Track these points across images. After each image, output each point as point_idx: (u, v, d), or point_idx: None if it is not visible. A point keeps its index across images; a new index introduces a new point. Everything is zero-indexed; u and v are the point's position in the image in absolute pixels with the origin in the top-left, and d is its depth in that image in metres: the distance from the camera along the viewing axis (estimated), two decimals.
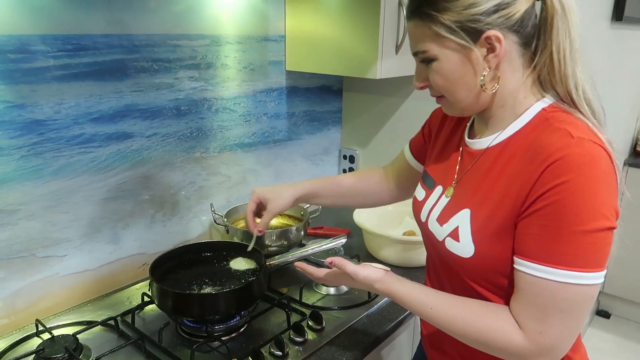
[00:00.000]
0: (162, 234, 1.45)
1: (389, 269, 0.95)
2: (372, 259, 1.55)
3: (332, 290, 1.35)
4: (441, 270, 0.93)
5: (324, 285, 1.15)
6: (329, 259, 0.97)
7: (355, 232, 1.71)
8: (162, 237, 1.45)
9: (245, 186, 1.67)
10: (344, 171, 2.04)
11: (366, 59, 1.47)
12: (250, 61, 1.58)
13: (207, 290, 1.16)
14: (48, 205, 1.18)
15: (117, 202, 1.32)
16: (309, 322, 1.18)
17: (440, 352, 0.99)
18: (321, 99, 1.88)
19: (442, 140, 1.01)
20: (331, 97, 1.92)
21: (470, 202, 0.84)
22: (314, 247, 1.22)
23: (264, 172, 1.73)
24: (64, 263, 1.24)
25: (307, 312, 1.21)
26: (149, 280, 1.15)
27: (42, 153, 1.14)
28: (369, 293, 1.31)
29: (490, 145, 0.84)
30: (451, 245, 0.85)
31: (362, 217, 1.57)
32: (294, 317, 1.20)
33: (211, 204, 1.50)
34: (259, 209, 1.19)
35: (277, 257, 1.23)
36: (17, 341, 1.11)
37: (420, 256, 1.46)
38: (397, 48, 1.48)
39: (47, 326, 1.14)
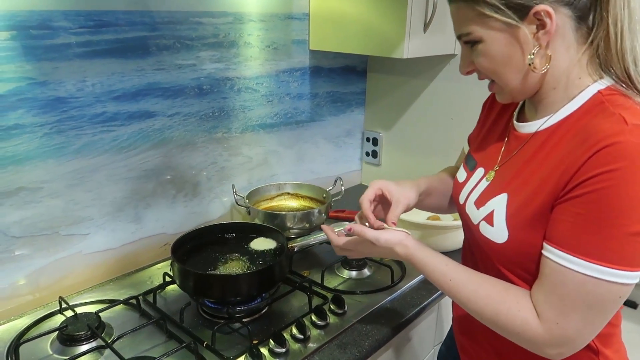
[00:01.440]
0: (184, 214, 1.44)
1: (409, 232, 0.91)
2: None
3: (354, 274, 1.33)
4: (476, 254, 0.90)
5: (346, 256, 1.07)
6: (347, 226, 0.95)
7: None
8: (184, 217, 1.44)
9: (266, 168, 1.65)
10: (367, 154, 2.00)
11: (392, 37, 1.42)
12: (273, 40, 1.54)
13: (229, 271, 1.14)
14: (71, 184, 1.18)
15: (139, 182, 1.31)
16: (331, 306, 1.16)
17: (470, 339, 0.96)
18: (345, 79, 1.84)
19: (489, 123, 0.96)
20: (355, 77, 1.88)
21: (509, 186, 0.80)
22: (336, 231, 1.19)
23: (285, 154, 1.70)
24: (87, 241, 1.24)
25: (329, 295, 1.19)
26: (170, 261, 1.15)
27: (64, 131, 1.14)
28: (392, 277, 1.29)
29: (539, 130, 0.79)
30: (485, 229, 0.82)
31: None
32: (316, 301, 1.18)
33: (233, 185, 1.48)
34: (378, 202, 1.05)
35: (299, 239, 1.22)
36: (40, 318, 1.12)
37: (444, 241, 1.43)
38: (426, 26, 1.43)
39: (70, 304, 1.15)
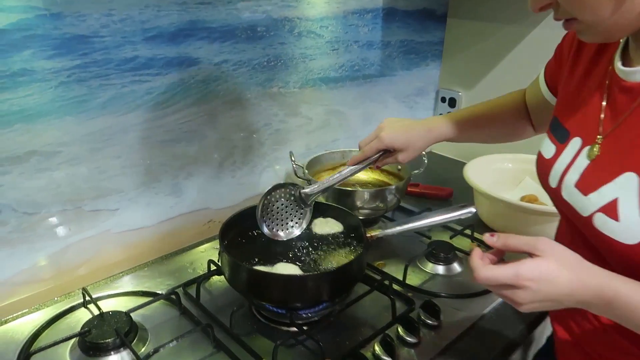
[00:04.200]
0: (231, 185, 1.19)
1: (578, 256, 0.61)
2: (486, 228, 1.24)
3: (440, 269, 1.06)
4: (585, 256, 0.60)
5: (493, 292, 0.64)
6: (494, 240, 0.64)
7: (460, 192, 1.40)
8: (231, 189, 1.20)
9: (327, 131, 1.38)
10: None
11: None
12: None
13: (290, 266, 0.89)
14: (95, 147, 0.93)
15: (179, 146, 1.06)
16: (421, 315, 0.90)
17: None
18: (422, 25, 1.52)
19: (579, 72, 0.71)
20: (433, 24, 1.56)
21: (634, 163, 0.58)
22: (432, 219, 0.92)
23: (350, 115, 1.42)
24: (116, 218, 1.01)
25: (416, 298, 0.94)
26: (215, 242, 0.92)
27: (86, 80, 0.88)
28: None
29: None
30: (604, 224, 0.60)
31: (475, 173, 1.25)
32: (399, 306, 0.92)
33: (291, 152, 1.22)
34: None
35: (377, 226, 0.95)
36: (59, 313, 0.90)
37: (542, 233, 1.14)
38: None
39: (97, 295, 0.94)
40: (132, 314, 0.87)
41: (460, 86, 1.63)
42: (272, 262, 0.91)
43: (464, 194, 1.39)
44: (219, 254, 0.93)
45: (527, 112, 0.94)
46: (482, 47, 1.53)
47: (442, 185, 1.42)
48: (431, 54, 1.59)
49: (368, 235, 0.93)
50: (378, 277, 1.00)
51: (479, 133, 0.98)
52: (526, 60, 1.44)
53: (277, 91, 1.20)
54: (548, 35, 1.38)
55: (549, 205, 1.26)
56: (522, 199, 1.29)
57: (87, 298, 0.92)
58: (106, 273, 1.03)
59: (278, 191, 0.94)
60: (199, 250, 1.13)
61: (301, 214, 0.97)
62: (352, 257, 0.92)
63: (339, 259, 0.94)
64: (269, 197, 0.93)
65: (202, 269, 1.05)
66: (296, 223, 0.96)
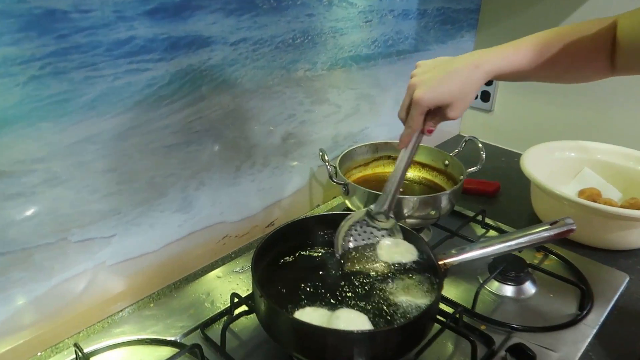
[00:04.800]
0: (250, 192, 0.98)
1: None
2: None
3: (509, 291, 0.88)
4: None
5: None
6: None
7: (509, 186, 1.22)
8: (250, 197, 0.98)
9: (357, 119, 1.16)
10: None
11: None
12: None
13: (355, 313, 0.69)
14: (82, 161, 0.70)
15: (188, 150, 0.83)
16: None
17: None
18: None
19: None
20: None
21: None
22: (522, 240, 0.73)
23: (380, 99, 1.20)
24: (112, 247, 0.79)
25: (491, 332, 0.76)
26: (233, 263, 0.78)
27: (65, 72, 0.64)
28: (582, 300, 0.84)
29: None
30: None
31: (532, 162, 1.06)
32: (480, 349, 0.74)
33: (322, 151, 1.00)
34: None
35: (453, 252, 0.75)
36: None
37: (626, 237, 0.97)
38: None
39: (92, 348, 0.73)
40: None
41: None
42: (323, 303, 0.71)
43: (513, 189, 1.21)
44: (253, 296, 0.73)
45: (612, 47, 0.71)
46: (525, 17, 1.31)
47: (487, 178, 1.23)
48: (467, 24, 1.37)
49: (441, 263, 0.73)
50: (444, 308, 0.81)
51: (542, 66, 0.73)
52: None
53: (303, 75, 0.97)
54: (604, 4, 1.17)
55: (613, 200, 1.09)
56: (581, 193, 1.11)
57: (80, 355, 0.71)
58: (102, 314, 0.81)
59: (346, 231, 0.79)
60: (215, 275, 0.92)
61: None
62: (425, 295, 0.72)
63: (402, 295, 0.75)
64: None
65: (221, 302, 0.85)
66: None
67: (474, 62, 0.71)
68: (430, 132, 0.74)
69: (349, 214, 0.81)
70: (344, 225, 0.80)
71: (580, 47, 0.73)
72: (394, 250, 0.77)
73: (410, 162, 0.76)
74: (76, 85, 0.66)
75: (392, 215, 0.79)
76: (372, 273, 0.76)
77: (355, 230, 0.80)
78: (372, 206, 0.79)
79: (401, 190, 0.79)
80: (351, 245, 0.80)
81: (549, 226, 0.75)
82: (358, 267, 0.77)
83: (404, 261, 0.76)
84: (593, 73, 0.75)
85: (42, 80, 0.63)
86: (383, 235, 0.80)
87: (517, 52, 0.72)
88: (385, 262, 0.77)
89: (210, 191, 0.90)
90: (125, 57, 0.70)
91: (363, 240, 0.80)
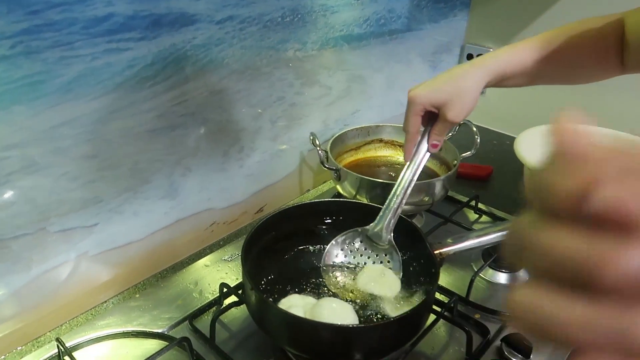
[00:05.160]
0: (238, 178, 0.94)
1: None
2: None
3: (503, 278, 0.87)
4: None
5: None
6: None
7: (501, 170, 1.20)
8: (238, 183, 0.95)
9: (348, 102, 1.12)
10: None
11: None
12: None
13: (339, 303, 0.67)
14: (59, 147, 0.66)
15: (173, 135, 0.80)
16: (504, 350, 0.71)
17: None
18: None
19: None
20: None
21: None
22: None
23: (372, 80, 1.17)
24: (94, 236, 0.75)
25: (485, 321, 0.75)
26: (221, 251, 0.79)
27: (39, 51, 0.60)
28: None
29: None
30: None
31: (526, 146, 1.04)
32: (475, 339, 0.72)
33: (313, 135, 0.97)
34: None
35: (449, 241, 0.73)
36: None
37: None
38: None
39: (75, 342, 0.70)
40: None
41: (491, 41, 1.38)
42: (311, 291, 0.69)
43: (506, 173, 1.19)
44: (243, 289, 0.70)
45: (620, 45, 0.69)
46: None
47: (478, 162, 1.21)
48: (460, 2, 1.33)
49: (436, 252, 0.71)
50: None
51: (546, 63, 0.70)
52: (579, 11, 1.21)
53: (293, 55, 0.93)
54: None
55: None
56: None
57: (62, 349, 0.68)
58: (86, 305, 0.78)
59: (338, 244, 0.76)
60: (203, 263, 0.89)
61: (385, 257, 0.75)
62: (418, 287, 0.71)
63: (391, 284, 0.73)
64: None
65: (210, 292, 0.82)
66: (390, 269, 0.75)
67: (473, 62, 0.69)
68: (435, 146, 0.71)
69: (340, 200, 0.78)
70: (338, 238, 0.77)
71: (586, 42, 0.70)
72: (375, 281, 0.73)
73: (414, 180, 0.72)
74: (50, 65, 0.61)
75: (390, 236, 0.74)
76: (345, 297, 0.72)
77: (350, 244, 0.77)
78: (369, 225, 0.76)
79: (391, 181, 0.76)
80: (337, 260, 0.77)
81: None
82: (333, 289, 0.73)
83: (376, 294, 0.72)
84: (602, 72, 0.73)
85: (13, 61, 0.58)
86: (373, 260, 0.76)
87: (520, 49, 0.70)
88: (360, 290, 0.73)
89: (197, 177, 0.86)
90: (103, 36, 0.65)
91: (354, 257, 0.77)
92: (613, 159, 0.19)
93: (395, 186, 0.72)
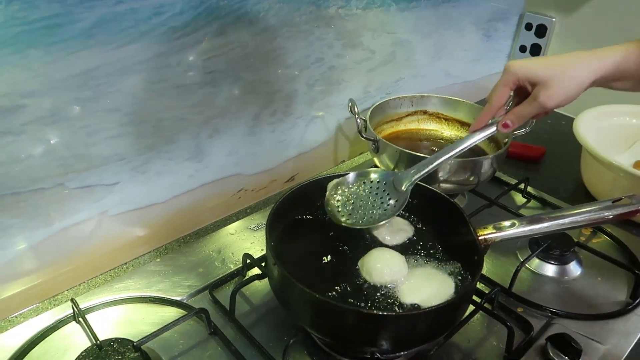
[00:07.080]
0: (269, 143, 0.89)
1: None
2: (588, 197, 0.96)
3: (551, 270, 0.79)
4: None
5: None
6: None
7: (555, 152, 1.11)
8: (269, 149, 0.89)
9: (391, 69, 1.04)
10: (522, 50, 1.34)
11: None
12: None
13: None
14: (79, 97, 0.62)
15: (202, 92, 0.74)
16: (549, 351, 0.64)
17: None
18: None
19: None
20: None
21: None
22: (581, 217, 0.63)
23: (419, 46, 1.08)
24: (114, 195, 0.72)
25: (528, 315, 0.68)
26: (249, 219, 0.78)
27: None
28: (634, 290, 0.74)
29: None
30: None
31: (586, 127, 0.95)
32: (517, 336, 0.66)
33: (351, 101, 0.90)
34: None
35: (497, 226, 0.65)
36: (44, 331, 0.64)
37: None
38: None
39: (91, 303, 0.68)
40: (142, 346, 0.60)
41: (554, 9, 1.26)
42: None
43: (560, 155, 1.09)
44: (266, 262, 0.65)
45: None
46: None
47: (532, 142, 1.11)
48: None
49: (481, 237, 0.64)
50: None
51: None
52: None
53: (335, 13, 0.86)
54: None
55: None
56: (637, 165, 1.00)
57: (77, 311, 0.65)
58: (104, 266, 0.75)
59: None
60: (228, 231, 0.84)
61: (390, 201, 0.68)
62: (454, 276, 0.64)
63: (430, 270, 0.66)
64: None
65: (233, 262, 0.78)
66: (384, 211, 0.67)
67: (593, 51, 0.60)
68: (507, 127, 0.63)
69: (378, 171, 0.71)
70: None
71: None
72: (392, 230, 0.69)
73: (469, 147, 0.65)
74: (70, 8, 0.56)
75: (409, 188, 0.67)
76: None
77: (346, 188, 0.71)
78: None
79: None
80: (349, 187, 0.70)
81: (611, 204, 0.65)
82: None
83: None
84: None
85: (29, 1, 0.53)
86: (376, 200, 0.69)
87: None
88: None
89: (226, 139, 0.81)
90: None
91: (363, 190, 0.70)
92: None
93: (452, 144, 0.65)
